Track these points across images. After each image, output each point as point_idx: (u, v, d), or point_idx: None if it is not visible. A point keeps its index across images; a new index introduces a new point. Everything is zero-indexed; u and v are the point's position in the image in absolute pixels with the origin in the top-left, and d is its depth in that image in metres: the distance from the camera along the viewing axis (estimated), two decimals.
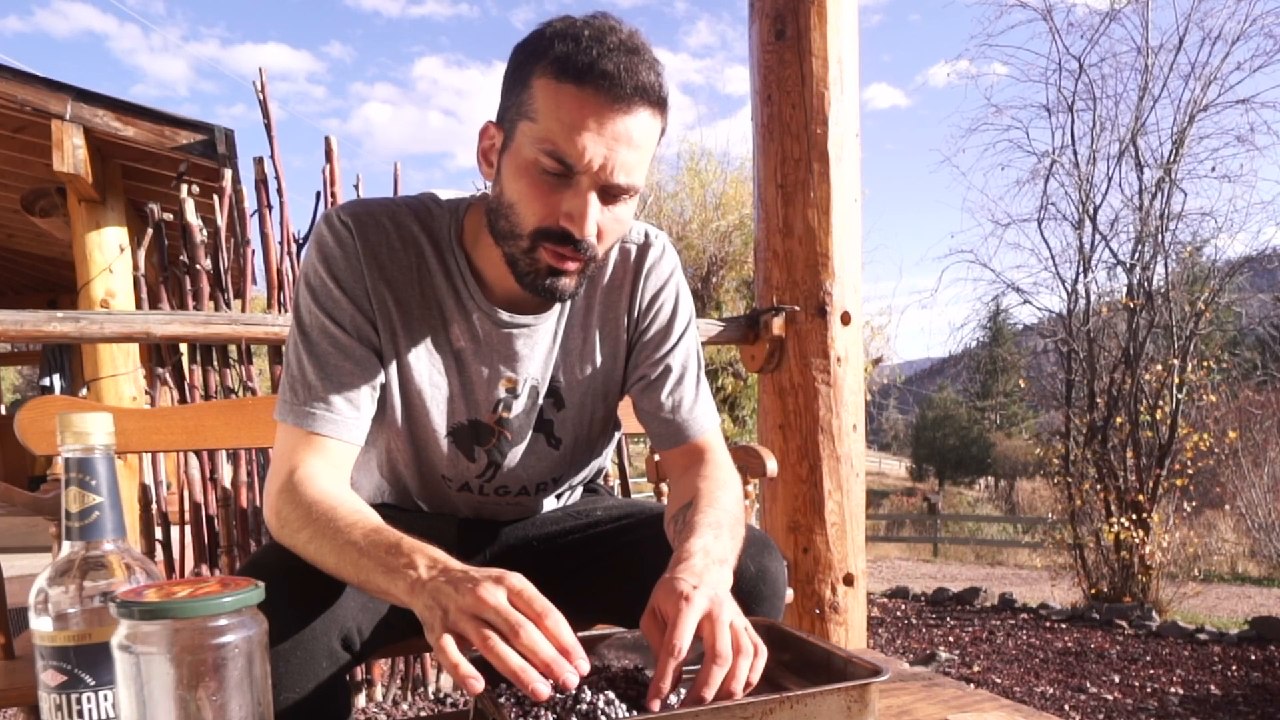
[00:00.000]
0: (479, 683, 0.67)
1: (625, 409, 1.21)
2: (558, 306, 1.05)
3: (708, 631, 0.73)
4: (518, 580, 0.71)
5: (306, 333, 0.96)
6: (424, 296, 1.00)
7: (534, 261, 0.91)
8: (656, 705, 0.71)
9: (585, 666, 0.69)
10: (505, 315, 1.02)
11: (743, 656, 0.72)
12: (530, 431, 1.09)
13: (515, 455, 1.09)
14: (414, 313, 1.00)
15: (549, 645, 0.67)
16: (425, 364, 1.01)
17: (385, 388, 1.01)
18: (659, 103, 0.87)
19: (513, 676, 0.66)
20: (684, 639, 0.72)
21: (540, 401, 1.08)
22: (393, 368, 1.00)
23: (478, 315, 1.02)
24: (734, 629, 0.74)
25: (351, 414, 0.95)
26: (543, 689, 0.67)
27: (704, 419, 1.10)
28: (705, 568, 0.80)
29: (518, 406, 1.07)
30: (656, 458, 1.80)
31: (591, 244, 0.89)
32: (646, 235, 1.10)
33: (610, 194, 0.88)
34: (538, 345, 1.05)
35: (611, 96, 0.83)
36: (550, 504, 1.22)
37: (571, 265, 0.91)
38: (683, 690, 0.80)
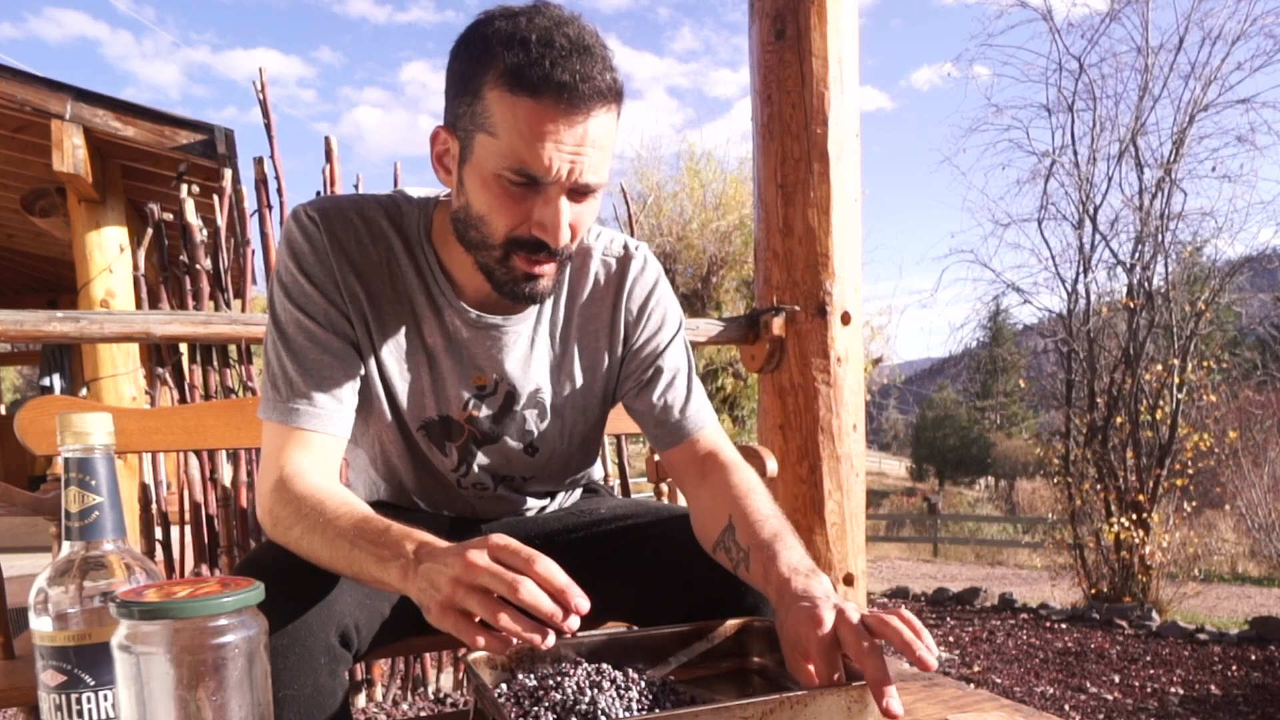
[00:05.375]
0: (508, 643, 0.69)
1: (623, 412, 1.21)
2: (533, 309, 1.05)
3: (848, 639, 0.73)
4: (497, 537, 0.71)
5: (283, 329, 0.96)
6: (395, 291, 1.00)
7: (509, 270, 0.92)
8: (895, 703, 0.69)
9: (585, 605, 0.69)
10: (475, 315, 1.02)
11: (902, 631, 0.73)
12: (504, 436, 1.09)
13: (485, 456, 1.10)
14: (385, 307, 1.00)
15: (545, 598, 0.68)
16: (395, 359, 1.02)
17: (367, 380, 1.01)
18: (616, 98, 0.87)
19: (527, 641, 0.68)
20: (859, 639, 0.72)
21: (518, 408, 1.08)
22: (370, 360, 1.01)
23: (449, 312, 1.02)
24: (869, 621, 0.74)
25: (334, 407, 0.95)
26: (550, 640, 0.68)
27: (699, 416, 1.09)
28: (807, 586, 0.80)
29: (488, 407, 1.06)
30: (657, 458, 1.80)
31: (566, 246, 0.91)
32: (626, 248, 1.10)
33: (578, 193, 0.89)
34: (511, 347, 1.05)
35: (570, 106, 0.83)
36: (544, 503, 1.22)
37: (546, 268, 0.93)
38: (683, 691, 0.80)
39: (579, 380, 1.10)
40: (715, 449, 1.07)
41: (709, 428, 1.10)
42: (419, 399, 1.04)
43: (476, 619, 0.69)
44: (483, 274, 0.95)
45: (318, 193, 2.72)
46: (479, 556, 0.69)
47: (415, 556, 0.74)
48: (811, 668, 0.75)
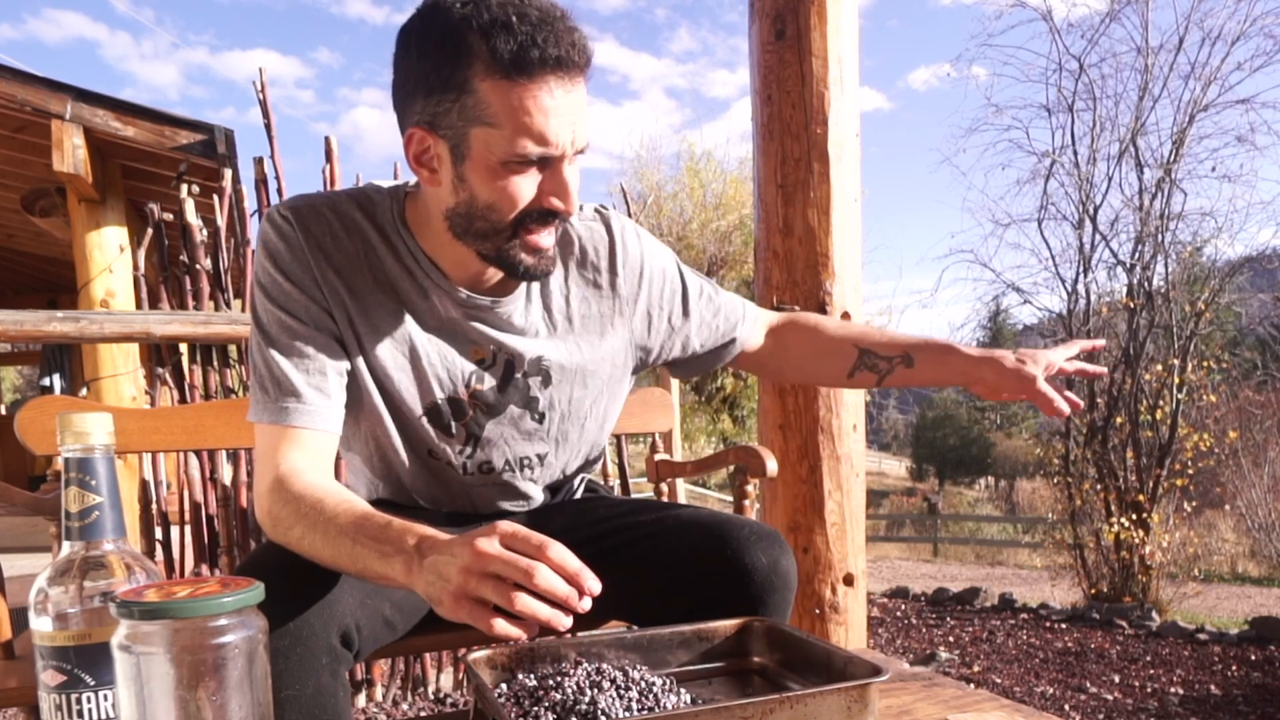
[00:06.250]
0: (529, 630, 0.70)
1: (623, 413, 1.21)
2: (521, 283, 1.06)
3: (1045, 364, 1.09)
4: (505, 524, 0.72)
5: (266, 330, 0.96)
6: (376, 281, 1.00)
7: (522, 246, 0.94)
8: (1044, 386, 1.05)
9: (596, 586, 0.71)
10: (465, 294, 1.02)
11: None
12: (509, 405, 1.09)
13: (494, 428, 1.09)
14: (368, 298, 1.00)
15: (561, 582, 0.69)
16: (387, 348, 1.01)
17: (355, 375, 1.01)
18: (591, 54, 0.90)
19: (547, 624, 0.69)
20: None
21: (519, 375, 1.08)
22: (358, 354, 1.00)
23: (437, 294, 1.02)
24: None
25: (323, 403, 0.95)
26: (567, 622, 0.70)
27: (748, 316, 1.24)
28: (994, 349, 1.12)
29: (490, 379, 1.06)
30: (657, 458, 1.80)
31: (573, 209, 0.94)
32: (599, 212, 1.13)
33: (574, 155, 0.92)
34: (505, 319, 1.05)
35: (567, 77, 0.86)
36: (545, 498, 1.21)
37: (549, 236, 0.95)
38: (683, 691, 0.80)
39: (580, 345, 1.10)
40: (770, 324, 1.27)
41: (760, 316, 1.26)
42: (419, 385, 1.04)
43: (491, 606, 0.70)
44: (493, 263, 0.96)
45: None
46: (489, 544, 0.70)
47: (418, 550, 0.74)
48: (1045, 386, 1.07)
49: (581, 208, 1.12)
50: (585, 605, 0.70)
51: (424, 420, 1.06)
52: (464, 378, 1.05)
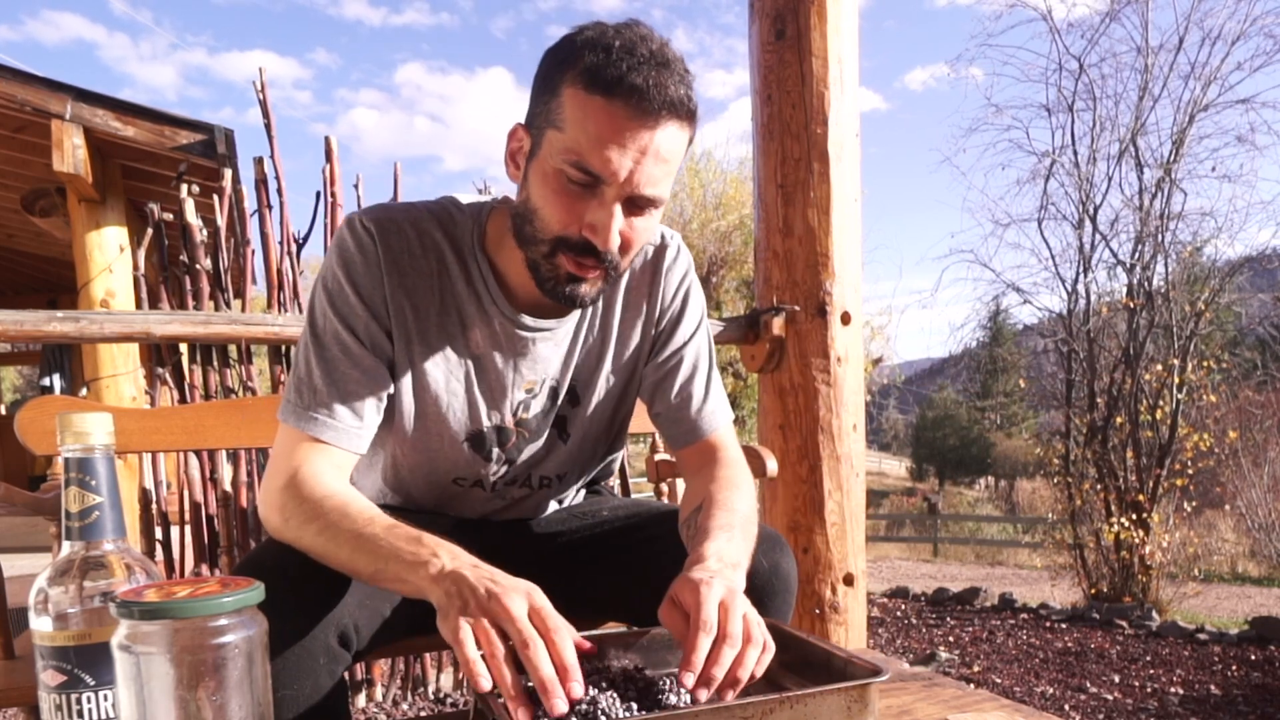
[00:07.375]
0: (486, 682, 0.69)
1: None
2: (579, 309, 1.06)
3: (721, 616, 0.75)
4: (540, 598, 0.73)
5: (319, 336, 0.96)
6: (443, 304, 1.00)
7: (554, 267, 0.92)
8: (690, 680, 0.71)
9: (579, 691, 0.70)
10: (528, 320, 1.02)
11: (752, 646, 0.74)
12: (547, 429, 1.10)
13: (528, 452, 1.11)
14: (432, 320, 1.00)
15: (550, 667, 0.69)
16: (442, 371, 1.01)
17: (397, 396, 1.01)
18: (688, 115, 0.87)
19: (506, 692, 0.69)
20: (712, 614, 0.74)
21: (560, 400, 1.09)
22: (407, 376, 1.00)
23: (499, 320, 1.02)
24: (747, 619, 0.76)
25: (354, 424, 0.95)
26: (523, 712, 0.68)
27: (714, 417, 1.11)
28: (719, 570, 0.82)
29: (536, 406, 1.08)
30: (657, 457, 1.79)
31: (613, 254, 0.90)
32: (663, 235, 1.12)
33: (635, 205, 0.89)
34: (559, 347, 1.06)
35: (640, 110, 0.83)
36: (552, 505, 1.22)
37: (592, 273, 0.92)
38: (684, 691, 0.80)
39: (616, 366, 1.11)
40: (724, 448, 1.09)
41: (723, 429, 1.11)
42: (467, 410, 1.04)
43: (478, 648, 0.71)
44: (529, 271, 0.95)
45: (318, 194, 2.72)
46: (517, 606, 0.71)
47: (451, 564, 0.76)
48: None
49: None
50: (560, 707, 0.68)
51: (465, 446, 1.06)
52: (513, 406, 1.06)
